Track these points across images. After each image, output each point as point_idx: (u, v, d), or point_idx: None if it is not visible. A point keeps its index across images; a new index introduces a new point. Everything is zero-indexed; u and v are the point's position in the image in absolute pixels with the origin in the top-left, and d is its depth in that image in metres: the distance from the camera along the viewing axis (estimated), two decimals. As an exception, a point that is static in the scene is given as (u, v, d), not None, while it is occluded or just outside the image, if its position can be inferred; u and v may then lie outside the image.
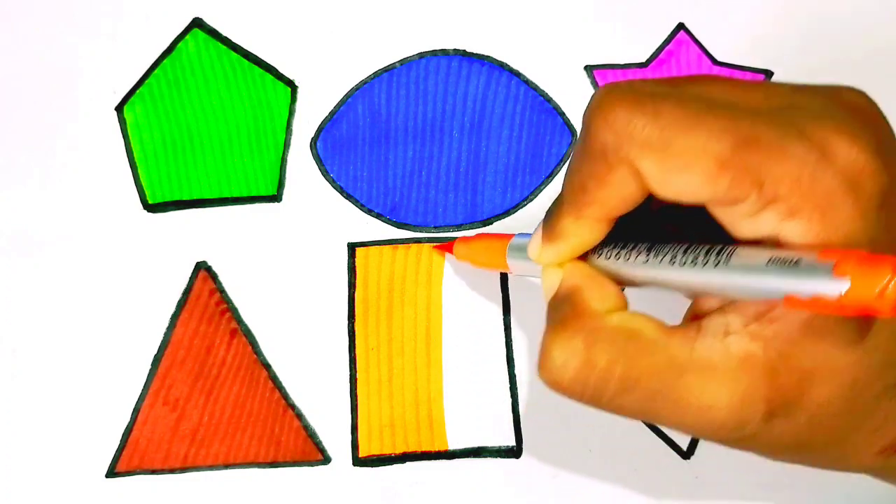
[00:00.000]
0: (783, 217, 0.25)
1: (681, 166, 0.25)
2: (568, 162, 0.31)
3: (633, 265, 0.28)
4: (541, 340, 0.28)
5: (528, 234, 0.32)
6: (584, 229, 0.28)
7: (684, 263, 0.27)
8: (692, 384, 0.26)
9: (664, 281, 0.28)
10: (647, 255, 0.28)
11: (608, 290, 0.28)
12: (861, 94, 0.27)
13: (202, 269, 0.39)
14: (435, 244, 0.39)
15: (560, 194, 0.28)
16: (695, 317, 0.28)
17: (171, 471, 0.38)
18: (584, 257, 0.29)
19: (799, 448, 0.27)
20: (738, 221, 0.26)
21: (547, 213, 0.29)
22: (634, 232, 0.28)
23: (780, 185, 0.24)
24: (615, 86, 0.26)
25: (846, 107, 0.26)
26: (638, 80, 0.27)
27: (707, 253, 0.26)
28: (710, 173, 0.25)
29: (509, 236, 0.34)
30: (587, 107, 0.27)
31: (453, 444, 0.39)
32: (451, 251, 0.38)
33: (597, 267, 0.29)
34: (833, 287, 0.23)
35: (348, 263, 0.39)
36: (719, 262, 0.26)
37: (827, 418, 0.26)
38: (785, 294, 0.24)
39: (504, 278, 0.39)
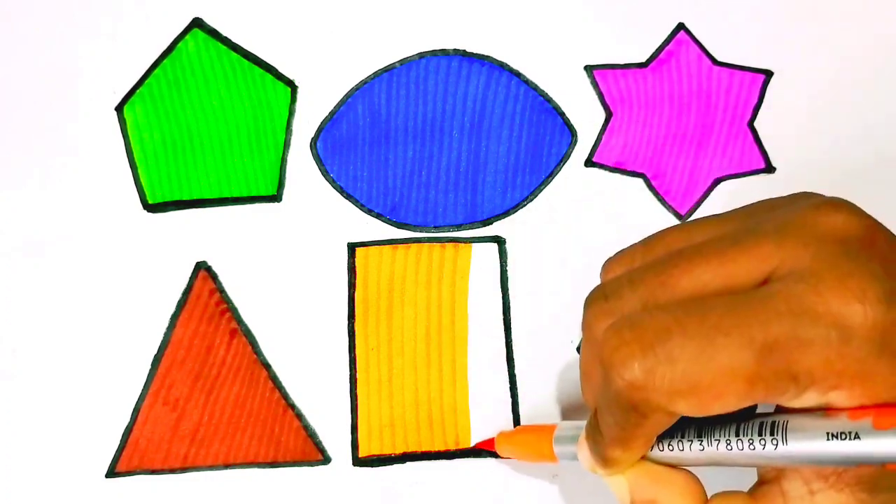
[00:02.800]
0: (826, 391, 0.25)
1: (713, 398, 0.25)
2: (584, 378, 0.31)
3: (690, 453, 0.28)
4: None
5: (569, 426, 0.33)
6: (633, 452, 0.29)
7: (741, 448, 0.27)
8: None
9: (727, 461, 0.28)
10: (700, 442, 0.28)
11: (681, 487, 0.29)
12: (844, 214, 0.26)
13: (202, 269, 0.39)
14: (477, 443, 0.38)
15: (597, 425, 0.29)
16: (763, 480, 0.28)
17: (171, 471, 0.38)
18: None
19: None
20: (784, 403, 0.26)
21: (588, 433, 0.30)
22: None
23: (814, 372, 0.24)
24: (616, 332, 0.26)
25: (840, 246, 0.25)
26: (627, 300, 0.27)
27: (761, 433, 0.27)
28: (743, 392, 0.25)
29: (551, 427, 0.34)
30: (595, 348, 0.27)
31: (453, 444, 0.39)
32: (492, 448, 0.38)
33: (654, 460, 0.29)
34: None
35: (348, 263, 0.39)
36: (777, 443, 0.26)
37: None
38: (856, 464, 0.25)
39: (504, 278, 0.39)
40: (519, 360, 0.39)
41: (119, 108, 0.39)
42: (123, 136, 0.39)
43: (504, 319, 0.39)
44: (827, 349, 0.24)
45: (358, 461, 0.38)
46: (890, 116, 0.41)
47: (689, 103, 0.40)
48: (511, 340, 0.39)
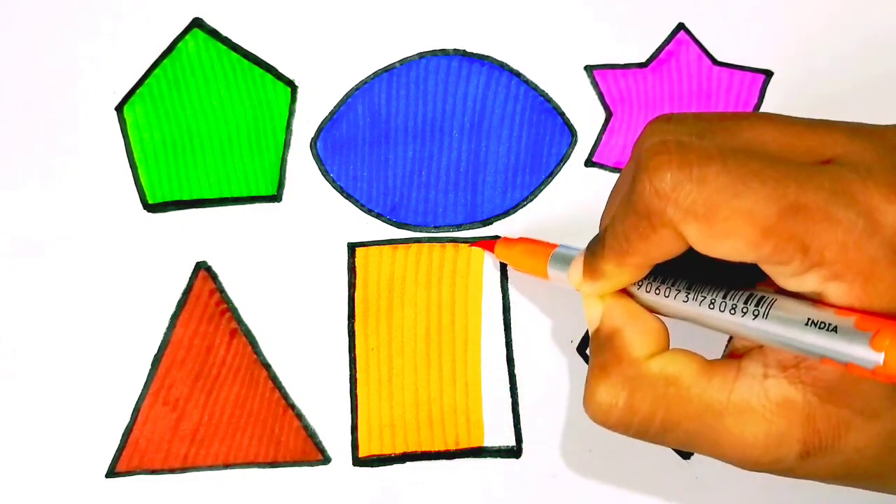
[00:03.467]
0: (826, 278, 0.25)
1: (724, 233, 0.25)
2: (610, 202, 0.31)
3: (673, 302, 0.29)
4: (586, 377, 0.29)
5: (571, 248, 0.33)
6: (625, 273, 0.29)
7: (723, 309, 0.27)
8: (730, 426, 0.27)
9: (703, 321, 0.28)
10: (687, 294, 0.28)
11: (649, 328, 0.29)
12: None
13: (202, 269, 0.39)
14: (474, 242, 0.39)
15: (602, 236, 0.29)
16: (733, 354, 0.28)
17: (171, 471, 0.38)
18: (624, 289, 0.30)
19: (835, 480, 0.28)
20: (781, 278, 0.26)
21: (588, 247, 0.30)
22: (674, 264, 0.28)
23: (826, 252, 0.25)
24: (663, 144, 0.26)
25: None
26: (687, 130, 0.27)
27: (746, 301, 0.27)
28: (754, 241, 0.25)
29: (553, 245, 0.34)
30: (637, 157, 0.27)
31: (453, 444, 0.39)
32: (491, 249, 0.38)
33: (636, 298, 0.30)
34: (869, 357, 0.23)
35: (348, 263, 0.39)
36: (758, 314, 0.26)
37: (863, 460, 0.27)
38: (822, 356, 0.25)
39: (504, 279, 0.39)
40: (519, 360, 0.39)
41: (119, 108, 0.39)
42: (123, 136, 0.39)
43: (504, 319, 0.39)
44: (848, 233, 0.24)
45: (358, 461, 0.38)
46: (890, 116, 0.41)
47: (689, 103, 0.40)
48: (511, 340, 0.39)
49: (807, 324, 0.25)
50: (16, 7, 0.39)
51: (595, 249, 0.29)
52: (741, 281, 0.28)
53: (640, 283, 0.30)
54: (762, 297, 0.26)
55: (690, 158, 0.25)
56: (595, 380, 0.29)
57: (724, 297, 0.27)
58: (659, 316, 0.30)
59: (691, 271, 0.29)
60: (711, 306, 0.28)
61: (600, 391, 0.28)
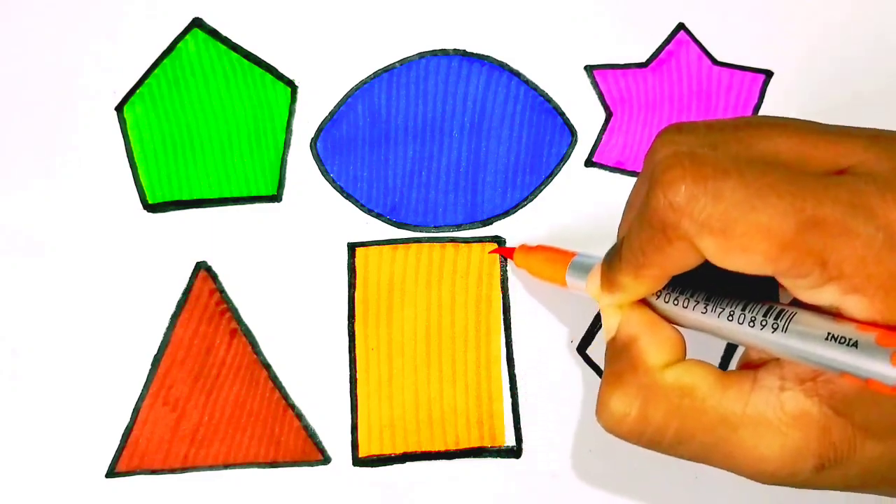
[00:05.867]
0: (845, 292, 0.25)
1: (741, 248, 0.25)
2: (626, 213, 0.31)
3: (691, 313, 0.29)
4: (600, 385, 0.29)
5: (590, 257, 0.33)
6: (642, 285, 0.29)
7: (742, 322, 0.27)
8: (745, 438, 0.27)
9: (721, 333, 0.28)
10: (706, 306, 0.28)
11: (666, 338, 0.29)
12: None
13: (202, 269, 0.39)
14: (494, 249, 0.39)
15: (619, 248, 0.29)
16: (748, 364, 0.28)
17: (171, 471, 0.38)
18: (642, 299, 0.30)
19: (850, 489, 0.28)
20: (799, 291, 0.26)
21: (606, 257, 0.30)
22: (692, 275, 0.28)
23: (844, 265, 0.24)
24: (676, 156, 0.26)
25: None
26: (699, 140, 0.27)
27: (766, 314, 0.27)
28: (772, 255, 0.25)
29: (571, 254, 0.34)
30: (650, 170, 0.27)
31: (453, 444, 0.39)
32: (510, 256, 0.38)
33: (655, 308, 0.30)
34: (891, 374, 0.23)
35: (348, 263, 0.39)
36: (777, 327, 0.26)
37: (879, 469, 0.27)
38: (842, 371, 0.24)
39: (504, 278, 0.39)
40: (519, 360, 0.39)
41: (119, 108, 0.39)
42: (123, 136, 0.39)
43: (504, 319, 0.39)
44: (867, 247, 0.24)
45: (358, 461, 0.38)
46: (890, 116, 0.41)
47: (689, 103, 0.40)
48: (511, 340, 0.39)
49: (827, 338, 0.25)
50: (16, 7, 0.39)
51: (612, 261, 0.29)
52: (759, 291, 0.27)
53: (659, 294, 0.29)
54: (781, 311, 0.26)
55: (705, 171, 0.25)
56: (609, 388, 0.28)
57: (743, 310, 0.27)
58: (676, 326, 0.29)
59: (709, 282, 0.28)
60: (730, 318, 0.27)
61: (614, 400, 0.28)
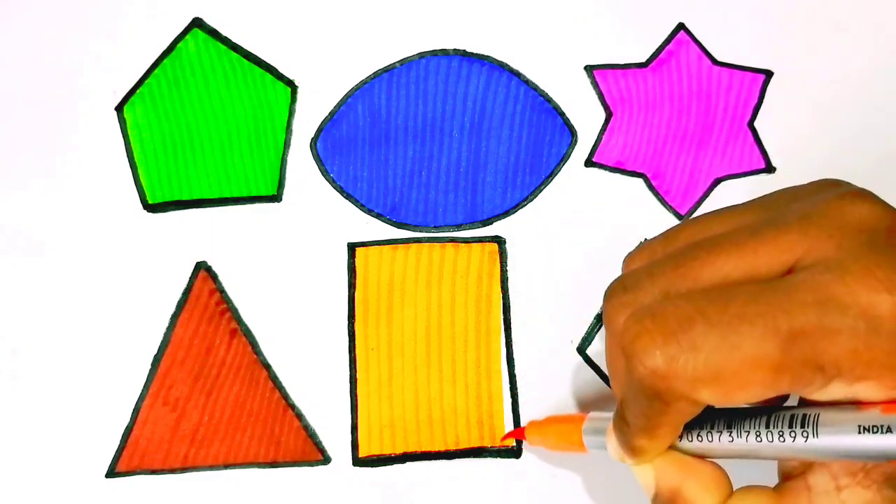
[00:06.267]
0: (852, 382, 0.25)
1: (737, 387, 0.25)
2: (612, 373, 0.31)
3: (719, 444, 0.28)
4: None
5: (601, 417, 0.33)
6: (659, 443, 0.28)
7: (771, 439, 0.27)
8: None
9: (755, 454, 0.28)
10: (730, 434, 0.28)
11: (707, 478, 0.28)
12: (869, 204, 0.26)
13: (202, 269, 0.39)
14: (506, 434, 0.38)
15: (623, 415, 0.28)
16: (790, 474, 0.28)
17: (171, 471, 0.38)
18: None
19: None
20: (807, 395, 0.26)
21: (615, 425, 0.29)
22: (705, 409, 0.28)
23: (840, 363, 0.24)
24: (637, 322, 0.25)
25: (866, 236, 0.25)
26: (649, 292, 0.27)
27: (791, 425, 0.26)
28: (769, 382, 0.24)
29: (580, 418, 0.34)
30: (617, 340, 0.26)
31: (453, 444, 0.39)
32: (522, 437, 0.38)
33: (682, 450, 0.29)
34: None
35: (348, 263, 0.39)
36: (807, 435, 0.26)
37: None
38: (887, 458, 0.24)
39: (504, 278, 0.39)
40: (519, 360, 0.39)
41: (119, 108, 0.39)
42: (123, 136, 0.39)
43: (504, 319, 0.39)
44: (854, 339, 0.24)
45: (358, 461, 0.38)
46: (890, 116, 0.41)
47: (689, 103, 0.40)
48: (511, 340, 0.39)
49: (860, 431, 0.25)
50: (16, 7, 0.39)
51: (622, 428, 0.29)
52: (775, 402, 0.27)
53: (681, 437, 0.29)
54: (805, 416, 0.26)
55: (671, 326, 0.25)
56: None
57: (768, 426, 0.27)
58: (713, 460, 0.29)
59: (725, 410, 0.28)
60: (759, 439, 0.27)
61: None
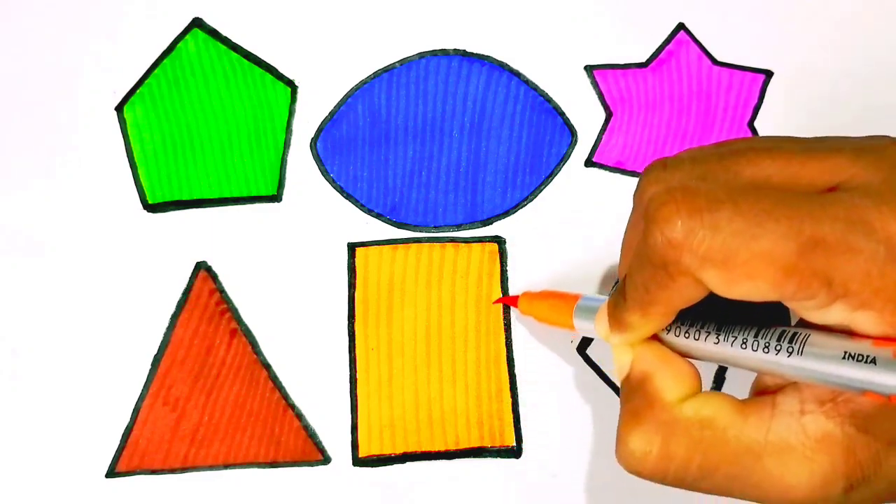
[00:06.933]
0: (854, 308, 0.25)
1: (744, 276, 0.25)
2: (623, 252, 0.31)
3: (704, 345, 0.28)
4: (617, 426, 0.28)
5: (595, 298, 0.33)
6: (650, 322, 0.28)
7: (756, 349, 0.27)
8: (771, 467, 0.26)
9: (735, 362, 0.28)
10: (717, 336, 0.28)
11: (680, 372, 0.28)
12: None
13: (202, 269, 0.39)
14: (498, 299, 0.39)
15: (622, 288, 0.29)
16: (763, 391, 0.28)
17: (171, 471, 0.38)
18: (654, 335, 0.29)
19: (881, 502, 0.27)
20: (807, 312, 0.26)
21: (611, 298, 0.30)
22: (700, 306, 0.28)
23: (850, 283, 0.24)
24: (668, 192, 0.26)
25: None
26: (687, 174, 0.27)
27: (779, 339, 0.26)
28: (777, 280, 0.24)
29: (576, 296, 0.34)
30: (642, 208, 0.26)
31: (453, 444, 0.39)
32: (514, 305, 0.38)
33: (666, 343, 0.29)
34: None
35: (348, 263, 0.39)
36: (792, 351, 0.26)
37: None
38: (863, 390, 0.24)
39: (504, 278, 0.39)
40: (519, 360, 0.39)
41: (119, 108, 0.39)
42: (123, 136, 0.39)
43: (504, 319, 0.39)
44: (871, 262, 0.24)
45: (358, 461, 0.38)
46: (890, 116, 0.41)
47: (689, 103, 0.40)
48: (511, 340, 0.39)
49: (844, 357, 0.25)
50: (16, 7, 0.39)
51: (617, 301, 0.29)
52: (769, 316, 0.27)
53: (669, 328, 0.29)
54: (795, 334, 0.26)
55: (699, 204, 0.25)
56: (627, 427, 0.28)
57: (756, 336, 0.27)
58: (690, 360, 0.29)
59: (718, 312, 0.28)
60: (744, 346, 0.27)
61: (633, 439, 0.28)
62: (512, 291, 0.39)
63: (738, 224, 0.25)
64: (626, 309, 0.29)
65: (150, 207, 0.39)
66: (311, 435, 0.38)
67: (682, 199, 0.25)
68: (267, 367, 0.38)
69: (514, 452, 0.39)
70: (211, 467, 0.38)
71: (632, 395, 0.29)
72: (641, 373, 0.29)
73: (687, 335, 0.29)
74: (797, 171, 0.26)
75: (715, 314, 0.28)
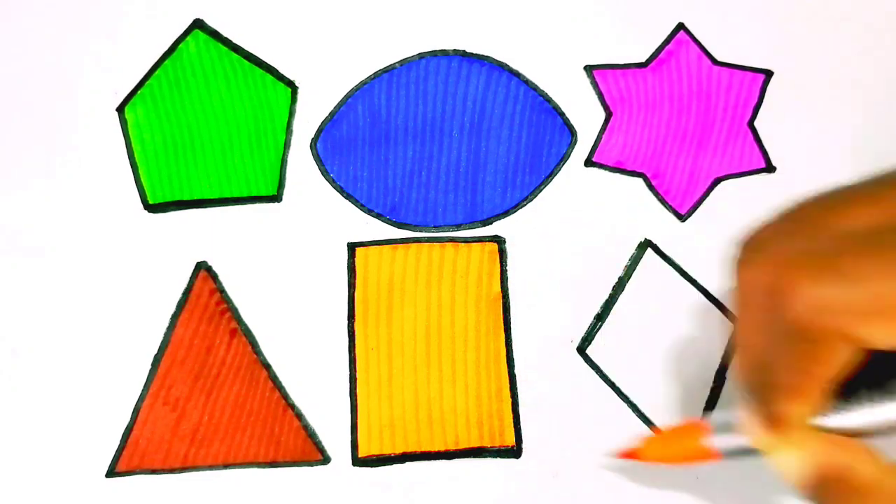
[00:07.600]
0: None
1: None
2: (743, 354, 0.28)
3: (861, 416, 0.26)
4: None
5: (721, 416, 0.30)
6: (809, 406, 0.26)
7: None
8: None
9: None
10: (872, 401, 0.25)
11: (866, 450, 0.26)
12: None
13: (202, 269, 0.39)
14: (620, 453, 0.34)
15: (763, 382, 0.26)
16: None
17: (171, 471, 0.38)
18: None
19: None
20: None
21: (751, 405, 0.27)
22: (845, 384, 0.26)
23: None
24: (775, 264, 0.23)
25: None
26: (777, 242, 0.24)
27: None
28: None
29: (696, 425, 0.31)
30: (759, 295, 0.24)
31: (453, 444, 0.39)
32: (636, 458, 0.33)
33: (826, 430, 0.26)
34: None
35: (348, 263, 0.39)
36: None
37: None
38: None
39: (504, 278, 0.39)
40: (519, 360, 0.39)
41: (120, 109, 0.39)
42: (124, 137, 0.39)
43: (504, 319, 0.39)
44: None
45: (358, 461, 0.38)
46: (890, 116, 0.41)
47: (689, 103, 0.40)
48: (511, 340, 0.39)
49: None
50: (17, 8, 0.39)
51: (763, 398, 0.26)
52: None
53: (827, 413, 0.26)
54: None
55: (819, 262, 0.23)
56: None
57: None
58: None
59: (866, 381, 0.26)
60: None
61: None
62: (512, 292, 0.39)
63: (865, 266, 0.22)
64: (776, 401, 0.26)
65: (151, 207, 0.39)
66: (311, 435, 0.38)
67: (807, 260, 0.23)
68: (267, 367, 0.38)
69: (514, 452, 0.39)
70: (211, 467, 0.38)
71: (838, 495, 0.26)
72: (838, 466, 0.26)
73: (837, 410, 0.26)
74: (888, 208, 0.24)
75: (870, 378, 0.26)
